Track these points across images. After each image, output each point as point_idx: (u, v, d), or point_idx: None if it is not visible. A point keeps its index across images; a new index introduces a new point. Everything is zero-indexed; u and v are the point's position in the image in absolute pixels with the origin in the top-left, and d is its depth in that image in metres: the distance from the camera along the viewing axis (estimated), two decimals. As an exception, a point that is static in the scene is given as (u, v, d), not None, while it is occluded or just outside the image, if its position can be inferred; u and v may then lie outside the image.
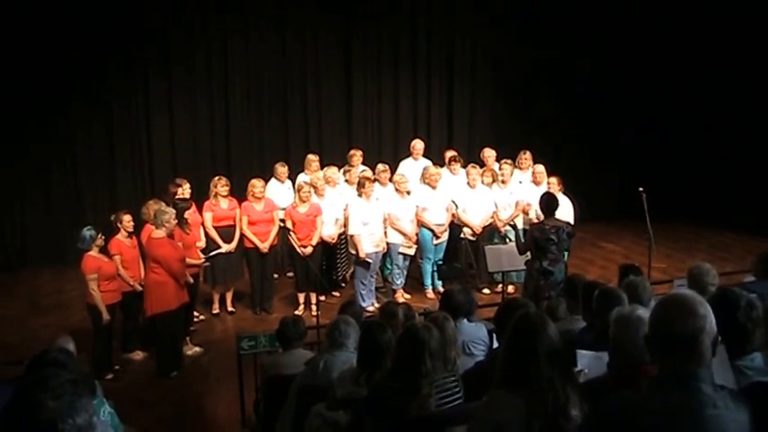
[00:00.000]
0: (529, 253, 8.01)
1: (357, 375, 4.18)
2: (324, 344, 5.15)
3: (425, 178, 10.02)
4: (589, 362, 3.82)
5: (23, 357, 4.62)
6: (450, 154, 10.94)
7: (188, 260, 8.12)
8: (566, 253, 8.50)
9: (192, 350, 8.45)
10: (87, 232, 7.61)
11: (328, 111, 13.41)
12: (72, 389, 2.06)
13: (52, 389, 2.03)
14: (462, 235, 10.01)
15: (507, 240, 9.56)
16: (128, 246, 8.00)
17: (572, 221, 9.32)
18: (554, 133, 14.18)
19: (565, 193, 9.64)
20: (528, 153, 10.64)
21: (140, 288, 7.93)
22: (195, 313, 9.14)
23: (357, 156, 10.72)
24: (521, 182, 10.33)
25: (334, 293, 10.09)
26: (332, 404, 4.15)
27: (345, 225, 9.71)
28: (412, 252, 9.92)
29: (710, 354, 2.39)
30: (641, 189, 8.99)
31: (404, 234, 9.66)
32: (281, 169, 10.37)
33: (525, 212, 10.03)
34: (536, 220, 8.84)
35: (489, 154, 10.81)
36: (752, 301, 3.44)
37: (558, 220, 7.86)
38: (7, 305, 10.14)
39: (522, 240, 8.20)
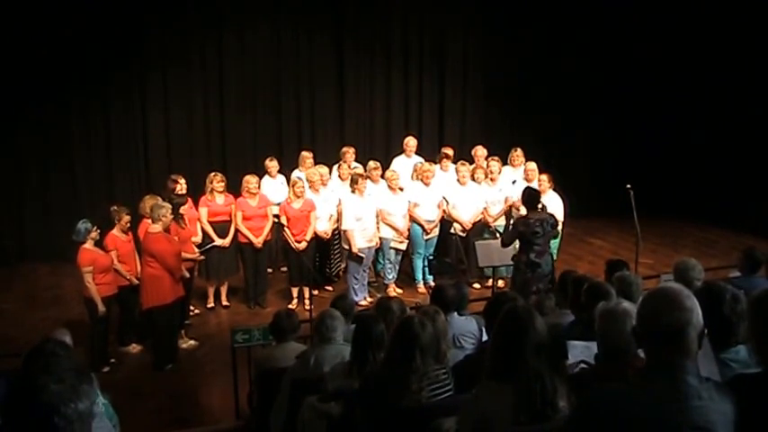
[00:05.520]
0: (516, 246, 8.09)
1: (349, 368, 4.25)
2: (314, 339, 5.21)
3: (418, 175, 10.09)
4: (581, 352, 3.87)
5: (21, 350, 4.66)
6: (446, 151, 11.01)
7: (183, 254, 8.16)
8: (555, 243, 8.58)
9: (187, 343, 8.51)
10: (82, 225, 7.63)
11: (321, 108, 13.43)
12: (75, 375, 2.11)
13: (56, 374, 2.07)
14: (452, 230, 10.09)
15: (498, 235, 9.63)
16: (123, 240, 8.02)
17: (562, 218, 9.41)
18: (543, 131, 14.23)
19: (555, 190, 9.74)
20: (519, 150, 10.71)
21: (137, 282, 7.97)
22: (191, 307, 9.18)
23: (350, 153, 10.79)
24: (515, 181, 10.35)
25: (327, 288, 10.15)
26: (324, 396, 4.19)
27: (339, 220, 9.77)
28: (403, 247, 9.98)
29: (696, 346, 2.43)
30: (629, 186, 9.08)
31: (395, 229, 9.73)
32: (270, 164, 10.43)
33: (516, 209, 10.10)
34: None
35: (482, 152, 10.87)
36: (736, 294, 3.49)
37: (540, 212, 7.93)
38: (5, 299, 10.17)
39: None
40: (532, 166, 10.23)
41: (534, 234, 7.70)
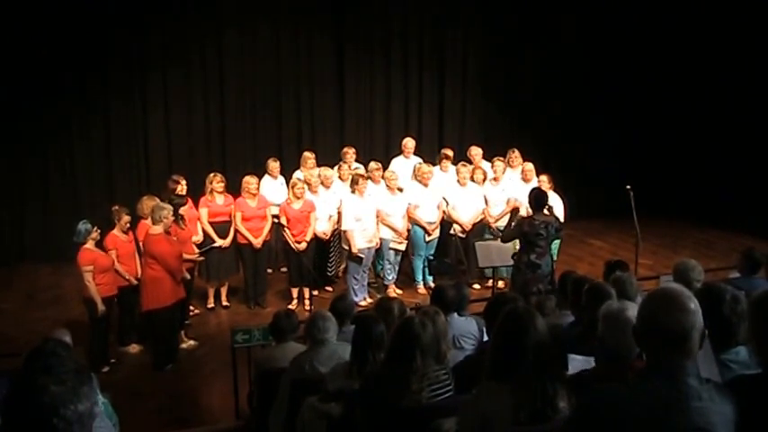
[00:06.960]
0: (517, 247, 8.09)
1: (349, 368, 4.24)
2: (307, 342, 5.20)
3: (417, 176, 10.07)
4: (580, 365, 3.88)
5: (21, 350, 4.66)
6: (446, 152, 11.01)
7: (184, 255, 8.13)
8: (556, 243, 8.58)
9: (187, 343, 8.48)
10: (83, 226, 7.61)
11: (321, 109, 13.44)
12: (75, 377, 2.11)
13: (56, 375, 2.07)
14: (452, 231, 10.08)
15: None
16: (123, 240, 8.01)
17: (561, 219, 9.41)
18: (543, 132, 14.25)
19: (555, 191, 9.73)
20: (517, 151, 10.70)
21: (137, 282, 7.96)
22: (191, 307, 9.17)
23: (350, 153, 10.78)
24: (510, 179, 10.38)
25: (326, 288, 10.14)
26: (324, 396, 4.19)
27: (339, 221, 9.77)
28: (403, 248, 9.97)
29: (697, 347, 2.42)
30: (629, 187, 9.08)
31: (394, 230, 9.73)
32: (273, 164, 10.41)
33: (517, 209, 10.09)
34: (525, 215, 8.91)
35: (476, 152, 10.88)
36: (736, 295, 3.48)
37: (546, 215, 7.93)
38: (5, 299, 10.16)
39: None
40: (530, 166, 10.26)
41: (537, 235, 7.70)
